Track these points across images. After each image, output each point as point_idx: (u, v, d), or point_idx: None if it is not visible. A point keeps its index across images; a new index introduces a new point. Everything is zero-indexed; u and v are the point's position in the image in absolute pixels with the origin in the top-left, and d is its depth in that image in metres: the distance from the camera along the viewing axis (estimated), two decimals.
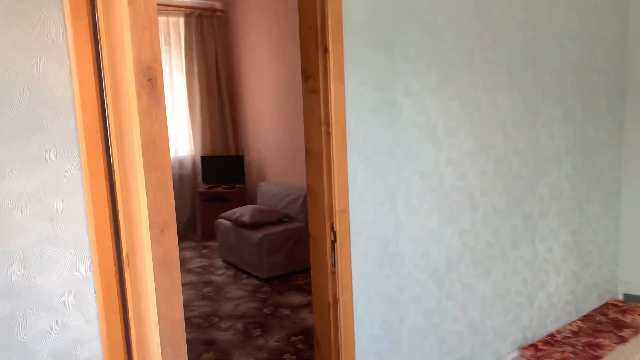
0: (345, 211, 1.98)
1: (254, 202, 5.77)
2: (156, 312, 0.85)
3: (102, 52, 1.27)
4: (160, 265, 0.83)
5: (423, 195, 2.26)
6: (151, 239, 0.82)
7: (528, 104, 2.73)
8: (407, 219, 2.20)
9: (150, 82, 0.77)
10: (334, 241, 1.96)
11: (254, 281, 4.25)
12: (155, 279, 0.84)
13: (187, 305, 3.74)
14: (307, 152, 2.04)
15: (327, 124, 1.94)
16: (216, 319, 3.47)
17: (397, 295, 2.20)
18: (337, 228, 1.95)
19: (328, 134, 1.94)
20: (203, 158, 5.80)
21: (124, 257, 1.32)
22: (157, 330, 0.86)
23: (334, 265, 1.96)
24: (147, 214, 0.83)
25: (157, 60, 0.78)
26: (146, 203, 0.82)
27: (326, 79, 1.91)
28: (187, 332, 3.27)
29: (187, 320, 3.46)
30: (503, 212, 2.65)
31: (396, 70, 2.11)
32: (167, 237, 0.86)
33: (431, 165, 2.28)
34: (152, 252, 0.82)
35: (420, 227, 2.26)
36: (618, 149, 3.46)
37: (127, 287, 1.32)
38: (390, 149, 2.12)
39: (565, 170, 3.03)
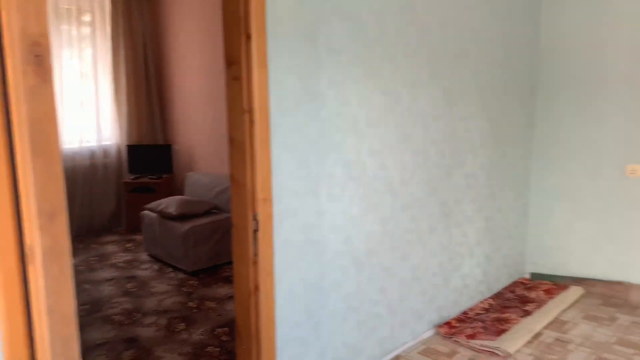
0: (267, 200, 1.98)
1: (182, 192, 5.61)
2: (45, 305, 0.80)
3: (2, 27, 1.18)
4: (49, 254, 0.79)
5: (345, 184, 2.31)
6: (39, 227, 0.77)
7: (446, 98, 2.87)
8: (330, 207, 2.25)
9: (38, 58, 0.72)
10: (256, 230, 1.96)
11: (180, 275, 4.15)
12: (44, 270, 0.79)
13: (108, 302, 3.58)
14: (230, 140, 2.02)
15: (250, 111, 1.92)
16: (139, 315, 3.36)
17: (319, 281, 2.24)
18: (259, 217, 1.95)
19: (251, 122, 1.92)
20: (129, 147, 5.55)
21: (26, 250, 1.24)
22: (47, 325, 0.81)
23: (255, 254, 1.97)
24: (35, 201, 0.78)
25: (45, 35, 0.73)
26: (34, 189, 0.78)
27: (249, 66, 1.89)
28: (107, 331, 3.13)
29: (108, 318, 3.32)
30: (421, 199, 2.78)
31: (320, 61, 2.13)
32: (56, 225, 0.81)
33: (354, 155, 2.34)
34: (41, 241, 0.77)
35: (342, 215, 2.31)
36: (528, 142, 3.73)
37: (30, 282, 1.24)
38: (314, 138, 2.14)
39: (480, 160, 3.22)
